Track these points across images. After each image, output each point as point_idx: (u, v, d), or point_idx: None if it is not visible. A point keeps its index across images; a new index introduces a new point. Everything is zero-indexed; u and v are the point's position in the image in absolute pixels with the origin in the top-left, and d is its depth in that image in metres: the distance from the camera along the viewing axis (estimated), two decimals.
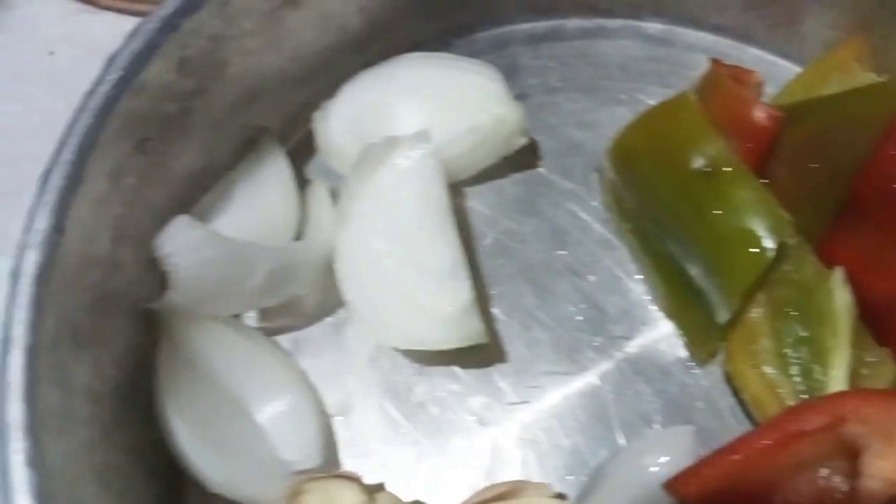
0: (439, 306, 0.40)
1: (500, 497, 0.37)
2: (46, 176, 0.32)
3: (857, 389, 0.38)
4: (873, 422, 0.35)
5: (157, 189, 0.39)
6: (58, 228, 0.31)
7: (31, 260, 0.31)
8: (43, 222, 0.31)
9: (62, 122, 0.53)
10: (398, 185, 0.42)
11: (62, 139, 0.33)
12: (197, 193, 0.42)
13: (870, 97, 0.40)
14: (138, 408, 0.38)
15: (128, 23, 0.56)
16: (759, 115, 0.42)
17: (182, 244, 0.36)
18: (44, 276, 0.31)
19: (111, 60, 0.35)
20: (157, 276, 0.40)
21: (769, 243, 0.38)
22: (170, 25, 0.35)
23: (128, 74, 0.34)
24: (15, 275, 0.31)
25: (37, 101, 0.54)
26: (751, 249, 0.39)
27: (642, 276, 0.45)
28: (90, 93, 0.34)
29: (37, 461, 0.28)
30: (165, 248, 0.36)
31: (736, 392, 0.42)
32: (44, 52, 0.56)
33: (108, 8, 0.57)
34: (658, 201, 0.43)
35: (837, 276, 0.39)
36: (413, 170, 0.42)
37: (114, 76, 0.34)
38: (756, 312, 0.41)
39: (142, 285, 0.39)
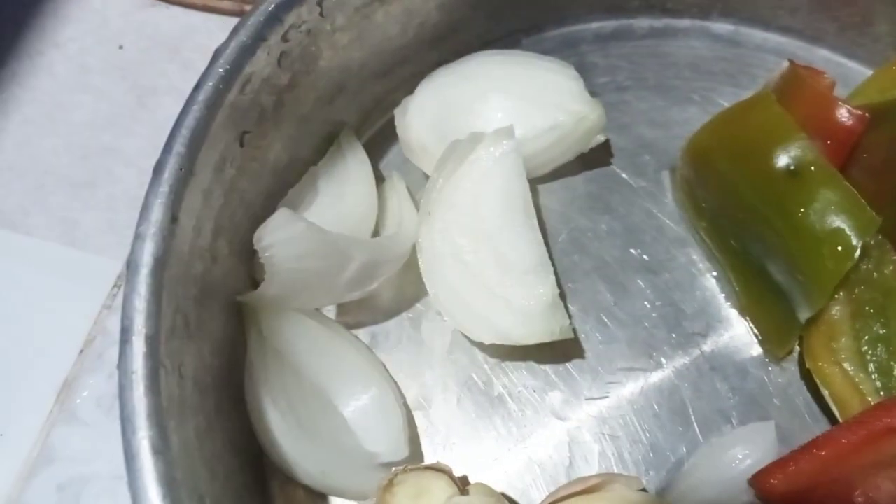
0: (524, 301, 0.41)
1: (590, 490, 0.38)
2: (159, 167, 0.32)
3: None
4: None
5: (250, 181, 0.40)
6: (174, 218, 0.32)
7: (149, 250, 0.31)
8: (159, 213, 0.32)
9: (131, 113, 0.54)
10: (482, 181, 0.42)
11: (172, 131, 0.33)
12: (283, 187, 0.43)
13: None
14: (233, 399, 0.38)
15: (194, 17, 0.57)
16: (844, 115, 0.42)
17: (283, 237, 0.36)
18: (160, 267, 0.31)
19: (217, 54, 0.35)
20: (246, 269, 0.41)
21: (855, 242, 0.39)
22: (274, 19, 0.36)
23: (234, 68, 0.35)
24: (133, 265, 0.31)
25: (106, 94, 0.55)
26: (838, 248, 0.39)
27: (716, 274, 0.46)
28: (198, 86, 0.34)
29: (161, 448, 0.28)
30: (266, 241, 0.36)
31: (812, 389, 0.43)
32: (113, 45, 0.57)
33: (175, 3, 0.57)
34: (737, 200, 0.43)
35: None
36: (497, 165, 0.42)
37: (222, 69, 0.34)
38: (836, 310, 0.41)
39: (234, 278, 0.39)
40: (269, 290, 0.38)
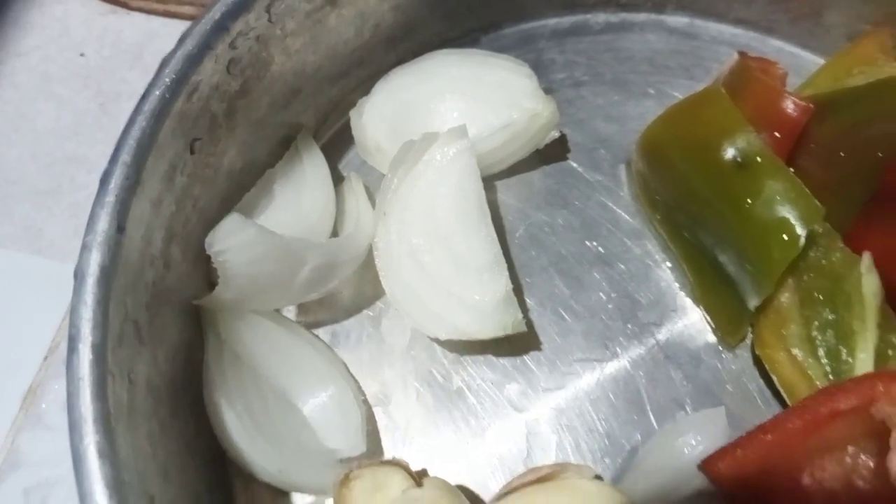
0: (478, 298, 0.41)
1: (543, 479, 0.38)
2: (106, 177, 0.33)
3: (888, 371, 0.39)
4: None
5: (204, 188, 0.40)
6: (119, 228, 0.32)
7: (95, 260, 0.32)
8: (104, 223, 0.32)
9: (94, 121, 0.55)
10: (436, 181, 0.43)
11: (119, 141, 0.34)
12: (238, 192, 0.43)
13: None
14: (189, 402, 0.39)
15: (156, 23, 0.58)
16: (790, 106, 0.43)
17: (234, 242, 0.37)
18: (107, 276, 0.32)
19: (164, 63, 0.36)
20: (202, 273, 0.42)
21: (801, 231, 0.39)
22: (221, 27, 0.36)
23: (181, 76, 0.35)
24: (79, 275, 0.32)
25: (69, 101, 0.56)
26: (783, 237, 0.40)
27: (671, 265, 0.47)
28: (145, 95, 0.35)
29: (108, 452, 0.29)
30: (217, 246, 0.37)
31: (764, 375, 0.43)
32: (74, 53, 0.57)
33: (136, 9, 0.58)
34: (689, 192, 0.44)
35: (866, 261, 0.40)
36: (451, 165, 0.43)
37: (168, 78, 0.35)
38: (785, 298, 0.42)
39: (189, 282, 0.40)
40: (224, 294, 0.39)
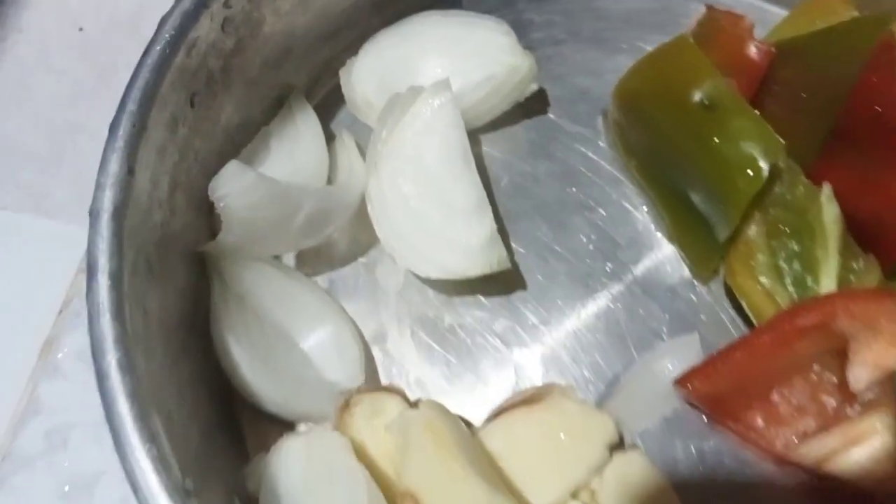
0: (466, 238, 0.44)
1: (530, 401, 0.41)
2: (115, 125, 0.35)
3: (846, 290, 0.42)
4: (860, 316, 0.40)
5: (204, 141, 0.43)
6: (130, 171, 0.35)
7: (108, 198, 0.34)
8: (116, 165, 0.35)
9: (93, 90, 0.57)
10: (422, 131, 0.45)
11: (125, 92, 0.36)
12: (236, 147, 0.46)
13: (853, 31, 0.44)
14: (199, 339, 0.42)
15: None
16: (752, 51, 0.46)
17: (235, 187, 0.39)
18: (119, 212, 0.34)
19: (163, 21, 0.38)
20: (206, 223, 0.44)
21: (764, 165, 0.42)
22: None
23: (179, 32, 0.38)
24: (94, 212, 0.34)
25: (68, 73, 0.58)
26: (748, 171, 0.43)
27: (647, 208, 0.49)
28: (147, 50, 0.37)
29: (128, 368, 0.32)
30: (219, 192, 0.39)
31: (736, 306, 0.46)
32: (73, 27, 0.59)
33: None
34: (662, 136, 0.47)
35: (826, 192, 0.43)
36: (436, 116, 0.45)
37: (167, 34, 0.37)
38: (753, 231, 0.45)
39: (194, 230, 0.43)
40: (227, 239, 0.41)
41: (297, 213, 0.42)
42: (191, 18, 0.39)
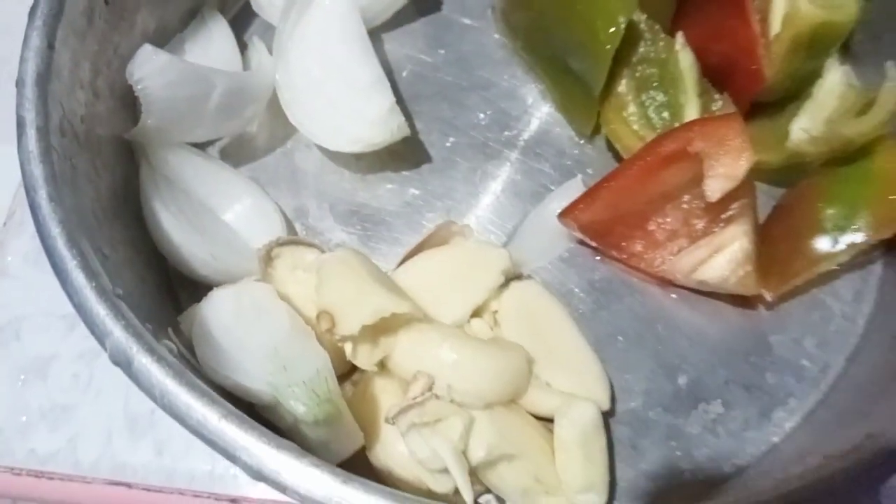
0: (368, 110, 0.49)
1: (434, 243, 0.47)
2: (34, 8, 0.40)
3: (699, 118, 0.48)
4: (710, 137, 0.45)
5: (122, 38, 0.47)
6: (50, 45, 0.39)
7: (31, 68, 0.39)
8: (36, 41, 0.39)
9: (22, 25, 0.61)
10: (323, 22, 0.50)
11: None
12: None
13: None
14: (131, 214, 0.46)
15: None
16: None
17: (150, 68, 0.44)
18: (43, 80, 0.39)
19: None
20: (131, 113, 0.48)
21: (622, 20, 0.48)
22: None
23: None
24: (20, 81, 0.39)
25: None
26: (610, 29, 0.48)
27: (534, 83, 0.55)
28: None
29: (57, 198, 0.36)
30: (136, 74, 0.44)
31: (617, 157, 0.52)
32: None
33: None
34: (538, 13, 0.52)
35: (679, 40, 0.49)
36: (333, 7, 0.50)
37: None
38: (623, 86, 0.51)
39: (120, 119, 0.47)
40: (148, 121, 0.46)
41: (212, 94, 0.47)
42: None
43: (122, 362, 0.33)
